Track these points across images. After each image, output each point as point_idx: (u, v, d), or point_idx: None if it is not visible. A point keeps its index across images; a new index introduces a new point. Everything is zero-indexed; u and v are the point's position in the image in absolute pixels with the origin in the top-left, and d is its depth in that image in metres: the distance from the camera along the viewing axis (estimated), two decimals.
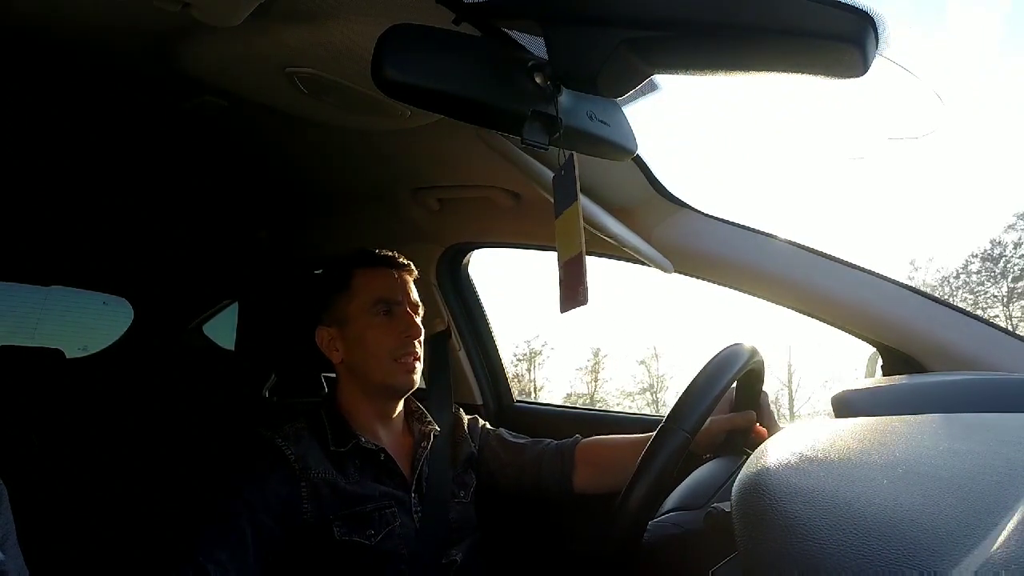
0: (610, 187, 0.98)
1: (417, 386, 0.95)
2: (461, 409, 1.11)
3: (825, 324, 0.98)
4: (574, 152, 0.61)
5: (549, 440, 1.05)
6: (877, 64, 0.43)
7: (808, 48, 0.44)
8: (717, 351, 0.78)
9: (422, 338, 0.96)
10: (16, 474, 0.85)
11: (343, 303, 0.94)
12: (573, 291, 0.57)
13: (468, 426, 1.07)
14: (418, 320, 0.96)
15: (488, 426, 1.10)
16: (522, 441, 1.06)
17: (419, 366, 0.95)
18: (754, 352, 0.80)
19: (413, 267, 1.01)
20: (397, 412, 0.98)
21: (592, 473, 0.99)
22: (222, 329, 1.91)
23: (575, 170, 0.60)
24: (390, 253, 0.99)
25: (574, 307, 0.58)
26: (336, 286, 0.96)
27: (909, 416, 0.51)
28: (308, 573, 0.83)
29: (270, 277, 1.62)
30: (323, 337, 0.96)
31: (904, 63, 0.47)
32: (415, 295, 0.99)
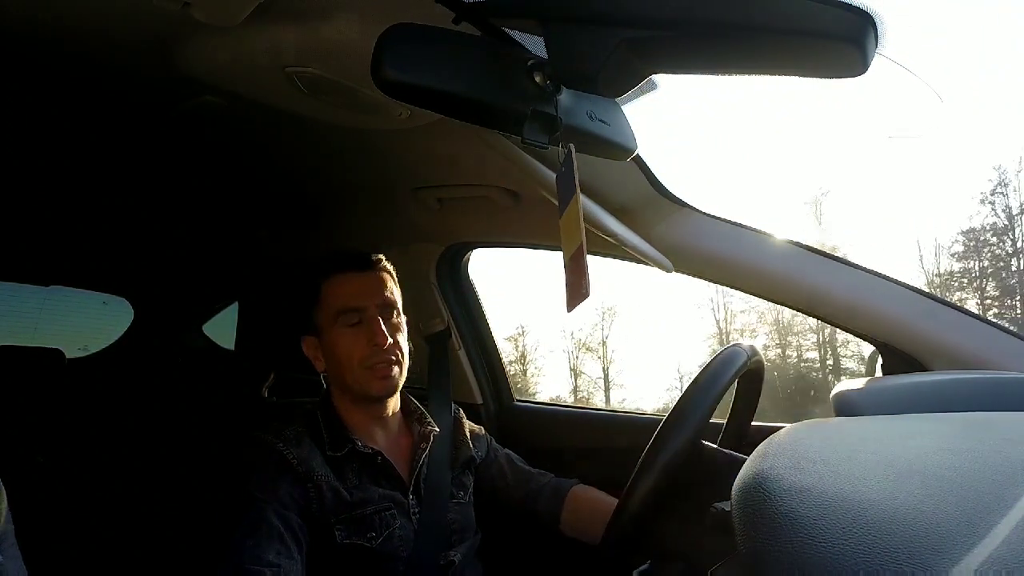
0: (610, 187, 0.98)
1: (400, 388, 0.94)
2: (463, 413, 1.11)
3: (825, 323, 0.98)
4: (572, 146, 0.61)
5: (552, 476, 1.07)
6: (877, 63, 0.43)
7: (808, 48, 0.44)
8: (720, 351, 0.79)
9: (402, 339, 0.94)
10: (15, 474, 0.85)
11: (315, 313, 0.94)
12: (577, 286, 0.57)
13: (472, 432, 1.07)
14: (397, 320, 0.94)
15: (496, 444, 1.11)
16: (529, 469, 1.08)
17: (396, 370, 0.92)
18: (754, 352, 0.80)
19: (386, 263, 0.97)
20: (391, 413, 0.98)
21: (577, 521, 1.01)
22: (222, 329, 1.91)
23: (574, 165, 0.60)
24: (360, 254, 0.95)
25: (580, 302, 0.58)
26: (306, 297, 0.95)
27: (909, 415, 0.51)
28: (309, 574, 0.83)
29: (270, 277, 1.62)
30: (307, 346, 0.96)
31: (904, 62, 0.47)
32: (389, 293, 0.94)
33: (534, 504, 1.04)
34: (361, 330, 0.91)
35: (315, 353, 0.95)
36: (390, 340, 0.91)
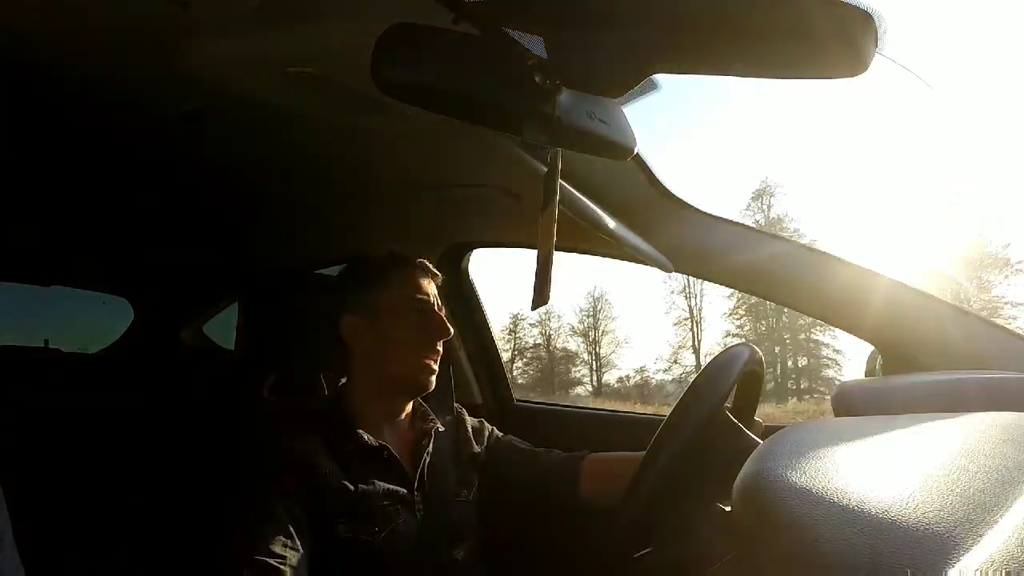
0: (610, 187, 0.98)
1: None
2: (465, 410, 1.11)
3: (825, 323, 0.99)
4: (559, 150, 0.61)
5: (559, 451, 1.06)
6: (876, 62, 0.43)
7: (808, 47, 0.44)
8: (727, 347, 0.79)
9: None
10: (14, 474, 0.85)
11: (377, 295, 0.96)
12: (541, 289, 0.58)
13: (473, 428, 1.07)
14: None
15: (497, 431, 1.11)
16: (534, 448, 1.08)
17: (438, 368, 0.97)
18: (754, 353, 0.80)
19: (440, 276, 1.03)
20: (406, 412, 0.99)
21: (599, 486, 1.00)
22: (222, 329, 1.91)
23: (557, 170, 0.60)
24: (424, 261, 1.03)
25: (541, 305, 0.59)
26: (373, 278, 0.98)
27: (909, 415, 0.51)
28: (311, 569, 0.84)
29: (270, 277, 1.62)
30: (349, 325, 0.97)
31: (903, 61, 0.47)
32: (442, 302, 1.01)
33: (547, 479, 1.02)
34: (425, 322, 0.96)
35: (357, 333, 0.97)
36: (451, 334, 0.97)
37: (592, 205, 0.93)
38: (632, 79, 0.54)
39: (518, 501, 1.05)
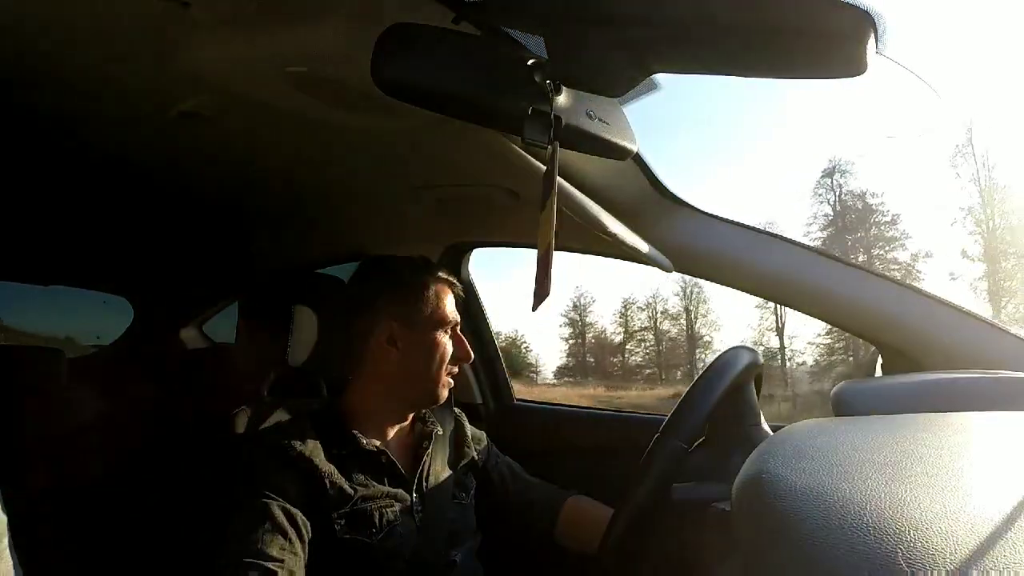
0: (610, 187, 0.98)
1: None
2: (464, 415, 1.11)
3: (825, 323, 0.99)
4: (557, 143, 0.60)
5: (550, 487, 1.08)
6: (877, 62, 0.43)
7: (808, 47, 0.44)
8: (717, 356, 0.79)
9: None
10: (13, 475, 0.86)
11: (420, 307, 0.96)
12: (542, 284, 0.58)
13: (473, 436, 1.08)
14: None
15: (497, 451, 1.12)
16: (529, 479, 1.10)
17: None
18: (754, 356, 0.80)
19: (459, 286, 1.05)
20: (411, 419, 1.00)
21: (572, 531, 1.02)
22: (222, 329, 1.91)
23: (555, 162, 0.60)
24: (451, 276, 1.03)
25: (542, 301, 0.59)
26: (418, 288, 0.97)
27: (909, 415, 0.51)
28: (309, 571, 0.84)
29: (270, 277, 1.62)
30: (387, 330, 0.95)
31: (904, 61, 0.47)
32: None
33: (530, 513, 1.05)
34: (456, 341, 0.99)
35: (392, 340, 0.95)
36: (472, 359, 1.01)
37: (592, 205, 0.93)
38: (632, 79, 0.54)
39: (506, 519, 1.07)
